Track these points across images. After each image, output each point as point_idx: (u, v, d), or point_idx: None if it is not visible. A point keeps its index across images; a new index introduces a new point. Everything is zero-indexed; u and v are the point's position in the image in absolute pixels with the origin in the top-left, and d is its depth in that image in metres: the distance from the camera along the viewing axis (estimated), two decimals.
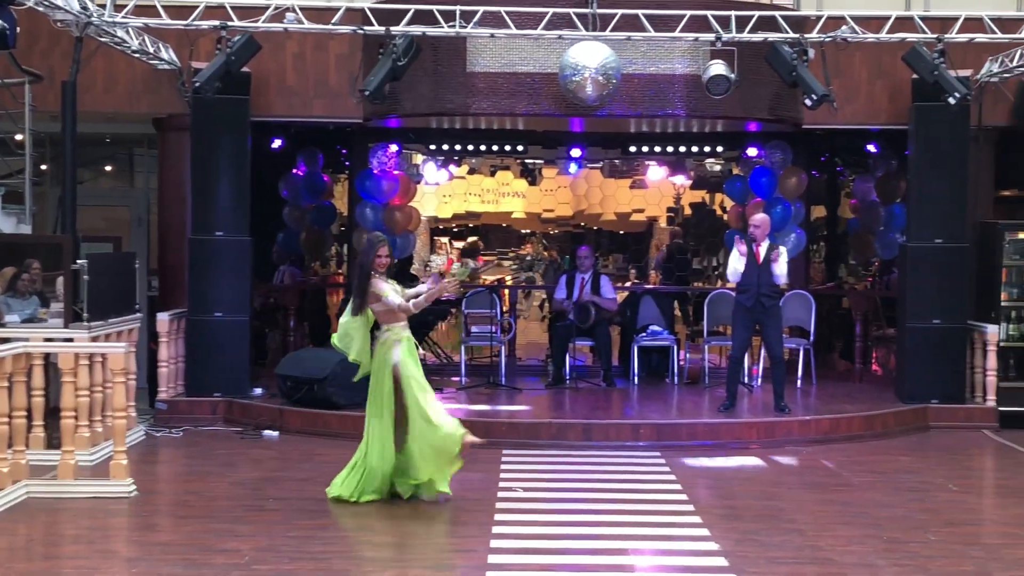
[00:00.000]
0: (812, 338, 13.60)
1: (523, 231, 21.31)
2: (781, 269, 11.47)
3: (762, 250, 11.47)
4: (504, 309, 14.96)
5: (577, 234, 19.55)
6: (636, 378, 13.46)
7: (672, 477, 9.51)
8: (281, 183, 15.39)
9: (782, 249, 11.71)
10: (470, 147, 16.08)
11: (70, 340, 9.73)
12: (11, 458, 8.46)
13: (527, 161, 19.25)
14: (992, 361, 11.97)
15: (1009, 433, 11.54)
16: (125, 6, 10.99)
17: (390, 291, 8.51)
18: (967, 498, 9.14)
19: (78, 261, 10.11)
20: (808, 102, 11.27)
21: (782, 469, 10.06)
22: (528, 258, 21.21)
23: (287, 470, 9.79)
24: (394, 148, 14.73)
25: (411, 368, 8.58)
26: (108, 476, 8.74)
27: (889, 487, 9.23)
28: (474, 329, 14.15)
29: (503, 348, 13.65)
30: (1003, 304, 12.15)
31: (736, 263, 11.51)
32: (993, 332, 11.95)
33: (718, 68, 11.47)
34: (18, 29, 9.58)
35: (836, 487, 9.28)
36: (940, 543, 7.49)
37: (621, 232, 20.87)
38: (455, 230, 21.42)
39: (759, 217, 11.74)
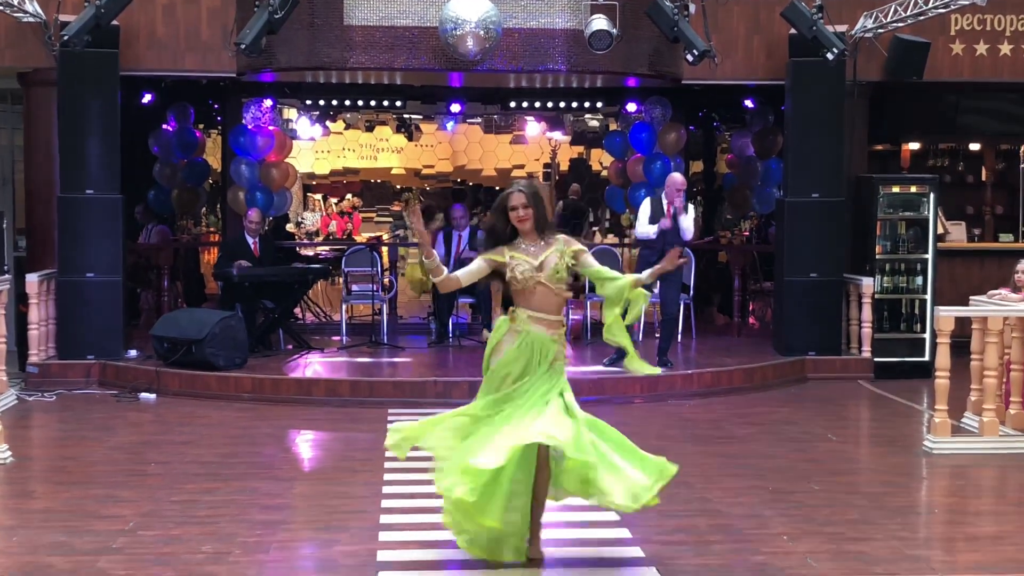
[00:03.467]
0: (691, 293, 13.75)
1: (399, 187, 21.15)
2: (688, 223, 11.57)
3: (673, 208, 11.54)
4: (384, 267, 14.81)
5: (457, 190, 19.45)
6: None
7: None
8: (151, 139, 14.96)
9: (690, 205, 11.82)
10: (347, 102, 15.86)
11: None
12: None
13: (405, 116, 19.08)
14: (867, 313, 12.26)
15: (884, 383, 11.83)
16: None
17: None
18: (846, 448, 9.36)
19: None
20: (689, 57, 11.34)
21: (665, 423, 10.15)
22: (404, 215, 21.06)
23: (167, 433, 9.56)
24: (268, 103, 14.43)
25: None
26: None
27: (771, 438, 9.40)
28: (355, 288, 13.99)
29: (384, 306, 13.52)
30: (877, 257, 12.42)
31: (648, 228, 11.53)
32: (868, 284, 12.23)
33: (600, 23, 11.48)
34: None
35: (719, 439, 9.41)
36: (824, 492, 7.64)
37: (499, 189, 20.83)
38: (332, 186, 21.14)
39: (680, 180, 11.75)
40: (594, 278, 6.23)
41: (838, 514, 7.12)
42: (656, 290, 11.68)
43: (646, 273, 6.23)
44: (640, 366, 6.30)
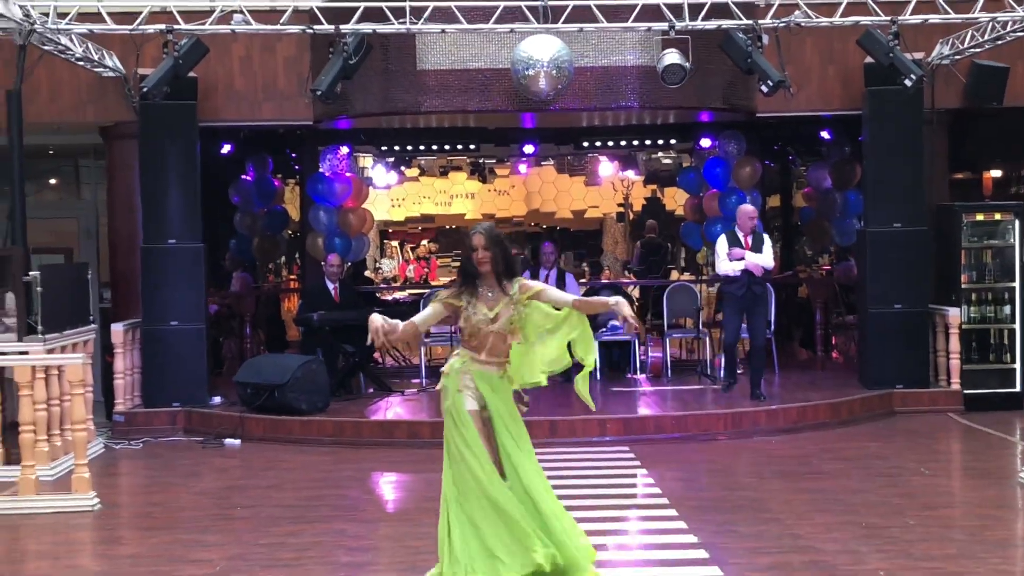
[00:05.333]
0: (772, 327, 13.58)
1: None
2: (768, 258, 11.49)
3: (750, 239, 11.50)
4: None
5: (532, 233, 19.46)
6: (597, 373, 13.36)
7: (643, 471, 9.43)
8: (231, 189, 15.17)
9: (766, 237, 11.75)
10: (421, 147, 15.97)
11: (25, 353, 9.48)
12: None
13: (478, 160, 19.17)
14: (955, 344, 11.99)
15: (974, 415, 11.54)
16: (68, 13, 10.75)
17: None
18: (940, 481, 9.12)
19: (30, 273, 9.86)
20: (764, 89, 11.25)
21: (752, 459, 10.00)
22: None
23: (252, 478, 9.60)
24: (345, 150, 14.58)
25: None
26: (70, 490, 8.54)
27: (861, 473, 9.19)
28: (433, 330, 13.98)
29: None
30: (963, 287, 12.16)
31: (730, 265, 11.50)
32: (955, 315, 11.98)
33: (673, 57, 11.43)
34: None
35: (808, 475, 9.22)
36: (920, 527, 7.44)
37: (573, 230, 20.84)
38: (408, 233, 21.28)
39: (751, 209, 11.71)
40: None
41: (936, 548, 6.93)
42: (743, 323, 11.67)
43: (612, 299, 6.19)
44: (583, 390, 6.18)
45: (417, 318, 6.17)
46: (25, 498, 8.43)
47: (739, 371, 12.24)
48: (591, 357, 6.12)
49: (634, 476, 9.28)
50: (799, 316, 15.83)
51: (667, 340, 13.68)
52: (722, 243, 11.69)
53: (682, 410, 11.37)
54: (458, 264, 6.29)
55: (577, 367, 6.18)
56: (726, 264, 11.58)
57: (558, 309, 6.12)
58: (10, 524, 8.11)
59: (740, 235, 11.61)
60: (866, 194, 12.52)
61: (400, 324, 5.97)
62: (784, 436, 10.80)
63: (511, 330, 6.11)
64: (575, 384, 6.22)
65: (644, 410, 11.79)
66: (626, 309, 5.99)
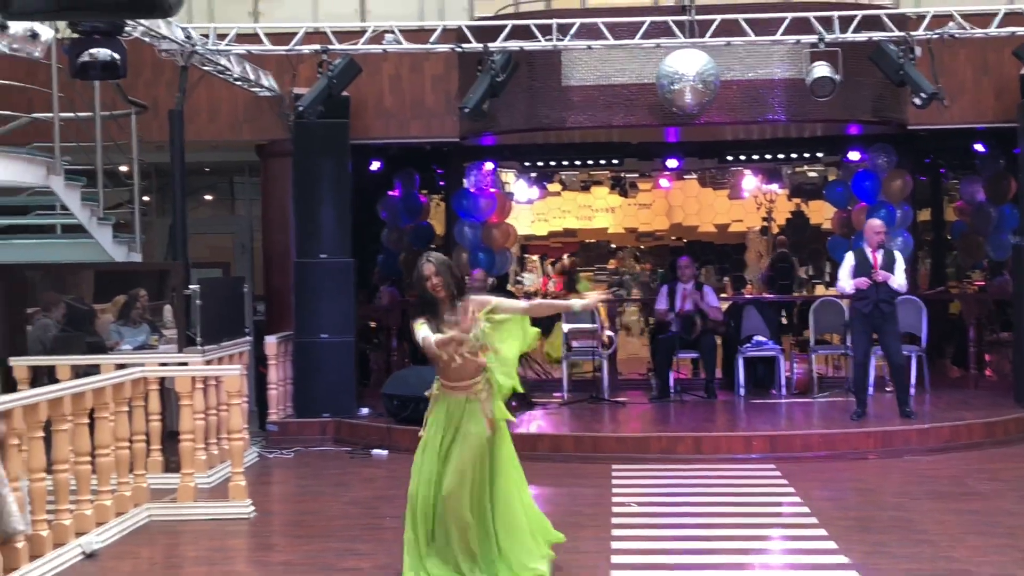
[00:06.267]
0: (924, 344, 13.28)
1: (614, 246, 21.20)
2: (900, 279, 11.25)
3: (879, 256, 11.27)
4: (604, 324, 14.85)
5: (675, 247, 19.36)
6: (742, 389, 13.25)
7: (790, 489, 9.31)
8: (379, 205, 15.48)
9: (898, 255, 11.48)
10: (564, 162, 16.07)
11: (185, 364, 9.84)
12: (132, 482, 8.56)
13: (620, 174, 19.16)
14: None
15: None
16: (227, 35, 11.14)
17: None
18: None
19: (190, 287, 10.22)
20: (917, 101, 11.04)
21: (903, 479, 9.80)
22: (623, 272, 21.07)
23: (399, 488, 9.64)
24: (489, 166, 14.76)
25: None
26: (226, 497, 8.81)
27: (1017, 495, 8.93)
28: (575, 344, 14.05)
29: (605, 362, 13.53)
30: None
31: (846, 283, 11.32)
32: None
33: (822, 70, 11.29)
34: None
35: (962, 496, 9.01)
36: None
37: (716, 244, 20.65)
38: (549, 247, 21.36)
39: (878, 224, 11.51)
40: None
41: None
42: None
43: (578, 304, 6.68)
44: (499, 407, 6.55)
45: (431, 337, 6.31)
46: (184, 505, 8.73)
47: (870, 393, 11.98)
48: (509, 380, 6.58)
49: (780, 494, 9.18)
50: (951, 333, 15.43)
51: (813, 356, 13.48)
52: (848, 260, 11.47)
53: (829, 428, 11.20)
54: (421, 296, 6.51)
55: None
56: (845, 281, 11.38)
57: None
58: (169, 530, 8.42)
59: (868, 251, 11.37)
60: (1021, 208, 12.17)
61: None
62: (936, 456, 10.55)
63: (479, 348, 6.40)
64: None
65: (790, 427, 11.65)
66: (591, 298, 6.68)
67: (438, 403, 6.60)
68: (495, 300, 6.57)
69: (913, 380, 12.91)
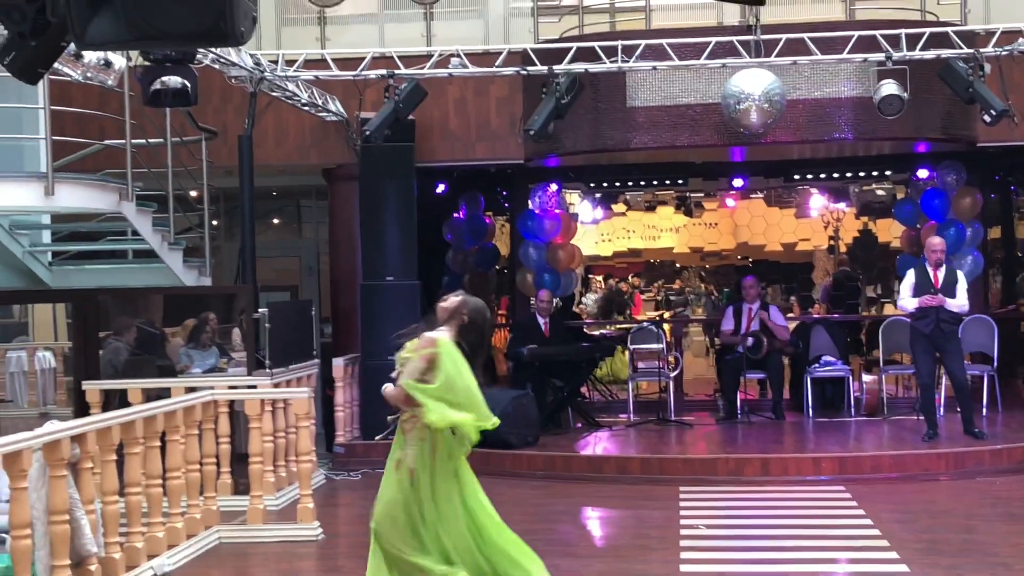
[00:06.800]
0: (995, 364, 13.08)
1: (679, 266, 21.15)
2: (961, 300, 11.12)
3: (940, 274, 11.15)
4: (670, 344, 14.80)
5: (741, 267, 19.27)
6: (810, 410, 13.13)
7: (860, 511, 9.20)
8: (444, 226, 15.56)
9: (960, 274, 11.35)
10: (629, 183, 16.06)
11: (254, 387, 9.94)
12: (203, 504, 8.65)
13: (686, 195, 19.13)
14: None
15: None
16: (295, 61, 11.28)
17: None
18: None
19: (259, 310, 10.33)
20: (987, 118, 10.89)
21: (975, 501, 9.65)
22: (688, 291, 21.02)
23: None
24: (554, 187, 14.79)
25: None
26: (295, 519, 8.87)
27: None
28: (641, 365, 14.02)
29: (670, 383, 13.48)
30: None
31: (908, 302, 11.21)
32: None
33: (890, 88, 11.18)
34: None
35: None
36: None
37: (782, 263, 20.52)
38: (614, 267, 21.36)
39: (938, 241, 11.39)
40: None
41: None
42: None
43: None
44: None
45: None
46: (253, 527, 8.81)
47: (939, 414, 11.81)
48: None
49: (850, 516, 9.07)
50: (1022, 352, 15.18)
51: (883, 376, 13.33)
52: (908, 278, 11.34)
53: (899, 448, 11.07)
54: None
55: None
56: (906, 300, 11.27)
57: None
58: (239, 552, 8.49)
59: (929, 270, 11.24)
60: None
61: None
62: (1009, 477, 10.36)
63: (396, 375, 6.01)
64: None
65: (859, 449, 11.52)
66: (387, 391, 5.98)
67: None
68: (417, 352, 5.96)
69: (985, 400, 12.73)
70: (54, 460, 6.50)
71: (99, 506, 7.24)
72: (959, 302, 11.15)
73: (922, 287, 11.17)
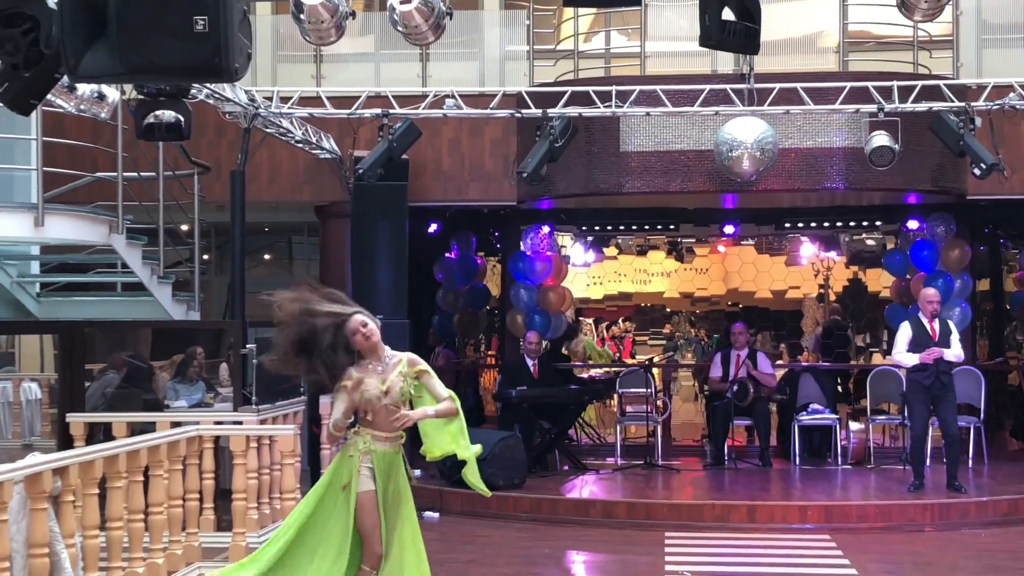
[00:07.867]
0: (982, 416, 13.08)
1: (670, 310, 21.16)
2: (957, 350, 11.14)
3: (936, 326, 11.17)
4: (658, 388, 14.79)
5: (731, 312, 19.30)
6: (797, 458, 13.11)
7: (846, 561, 9.17)
8: (436, 266, 15.58)
9: (952, 324, 11.39)
10: (621, 226, 16.11)
11: (239, 423, 9.88)
12: (184, 540, 8.56)
13: (677, 240, 19.19)
14: None
15: None
16: (290, 97, 11.33)
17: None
18: None
19: (247, 346, 10.30)
20: (976, 171, 10.97)
21: (960, 553, 9.62)
22: (677, 336, 21.00)
23: (452, 551, 9.74)
24: (546, 230, 14.82)
25: None
26: None
27: None
28: (629, 409, 14.00)
29: (658, 428, 13.45)
30: None
31: (905, 357, 11.21)
32: None
33: (882, 139, 11.27)
34: None
35: (1021, 571, 8.84)
36: None
37: (772, 310, 20.56)
38: (604, 311, 21.36)
39: (931, 292, 11.43)
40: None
41: None
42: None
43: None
44: (475, 479, 6.42)
45: (337, 415, 6.22)
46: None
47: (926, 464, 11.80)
48: (460, 451, 6.40)
49: (835, 566, 9.04)
50: (1009, 404, 15.20)
51: (870, 425, 13.32)
52: (904, 332, 11.32)
53: (886, 498, 11.05)
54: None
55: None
56: (903, 356, 11.26)
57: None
58: None
59: (925, 321, 11.27)
60: None
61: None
62: (995, 529, 10.36)
63: (403, 403, 6.25)
64: (464, 476, 6.42)
65: (846, 498, 11.49)
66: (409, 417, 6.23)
67: (370, 455, 6.26)
68: (427, 367, 6.42)
69: (971, 452, 12.73)
70: (35, 492, 6.45)
71: (79, 540, 7.18)
72: (956, 351, 11.18)
73: (920, 340, 11.17)
